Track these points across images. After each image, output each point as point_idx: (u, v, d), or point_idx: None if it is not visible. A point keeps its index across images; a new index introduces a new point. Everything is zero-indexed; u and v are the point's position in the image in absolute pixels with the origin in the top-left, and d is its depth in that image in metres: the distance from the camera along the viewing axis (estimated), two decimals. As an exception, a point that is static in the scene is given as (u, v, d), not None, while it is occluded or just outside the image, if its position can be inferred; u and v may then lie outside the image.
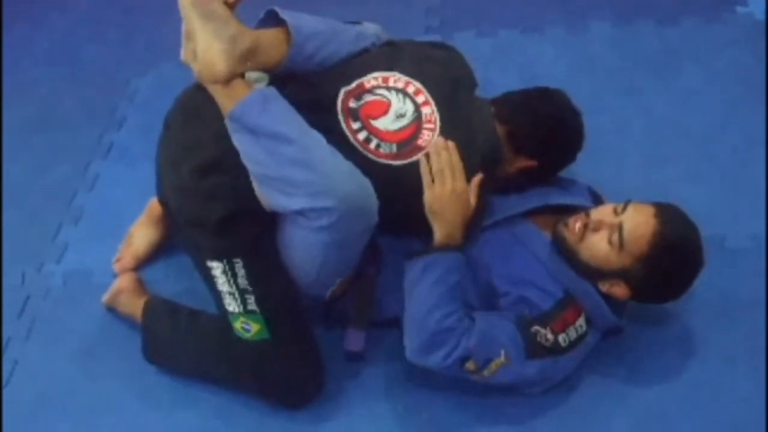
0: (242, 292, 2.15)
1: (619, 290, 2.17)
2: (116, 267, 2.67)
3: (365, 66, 2.29)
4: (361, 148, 2.16)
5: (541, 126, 2.33)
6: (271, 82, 2.21)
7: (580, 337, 2.16)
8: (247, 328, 2.18)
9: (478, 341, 2.09)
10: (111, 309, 2.57)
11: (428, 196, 2.19)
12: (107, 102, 3.40)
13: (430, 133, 2.21)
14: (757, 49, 3.19)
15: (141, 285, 2.57)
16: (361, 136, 2.18)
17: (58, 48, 3.82)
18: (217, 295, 2.20)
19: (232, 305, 2.18)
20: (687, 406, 2.20)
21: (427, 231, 2.23)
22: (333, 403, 2.28)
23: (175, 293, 2.55)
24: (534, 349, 2.12)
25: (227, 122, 2.08)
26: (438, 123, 2.23)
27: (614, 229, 2.13)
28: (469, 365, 2.10)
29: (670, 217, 2.15)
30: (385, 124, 2.20)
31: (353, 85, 2.24)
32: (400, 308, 2.23)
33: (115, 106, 3.37)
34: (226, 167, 2.11)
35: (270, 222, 2.15)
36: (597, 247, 2.16)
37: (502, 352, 2.10)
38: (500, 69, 3.20)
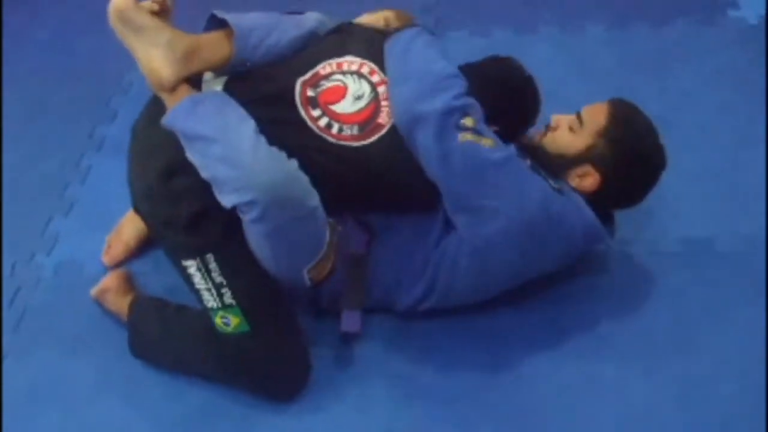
0: (218, 287, 2.17)
1: (588, 179, 2.27)
2: (105, 259, 2.68)
3: (318, 55, 2.34)
4: (323, 134, 2.21)
5: (492, 92, 2.34)
6: (230, 83, 2.27)
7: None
8: (227, 321, 2.20)
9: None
10: (99, 302, 2.57)
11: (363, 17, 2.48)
12: (101, 95, 3.41)
13: (389, 110, 2.25)
14: (749, 51, 3.21)
15: (128, 283, 2.57)
16: (322, 122, 2.22)
17: (53, 40, 3.83)
18: (197, 293, 2.22)
19: (210, 301, 2.20)
20: (677, 405, 2.21)
21: (408, 208, 2.31)
22: (322, 394, 2.28)
23: (165, 286, 2.56)
24: (519, 154, 2.21)
25: None
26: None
27: (572, 119, 2.35)
28: (468, 121, 2.14)
29: (620, 99, 2.37)
30: (344, 107, 2.24)
31: (308, 75, 2.29)
32: (393, 284, 2.30)
33: (108, 99, 3.38)
34: (188, 169, 2.14)
35: (237, 218, 2.17)
36: (560, 136, 2.34)
37: (492, 137, 2.17)
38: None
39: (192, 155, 2.12)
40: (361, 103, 2.26)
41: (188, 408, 2.30)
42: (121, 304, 2.48)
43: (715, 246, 2.53)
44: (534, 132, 2.40)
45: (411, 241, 2.30)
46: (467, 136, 2.13)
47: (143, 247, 2.71)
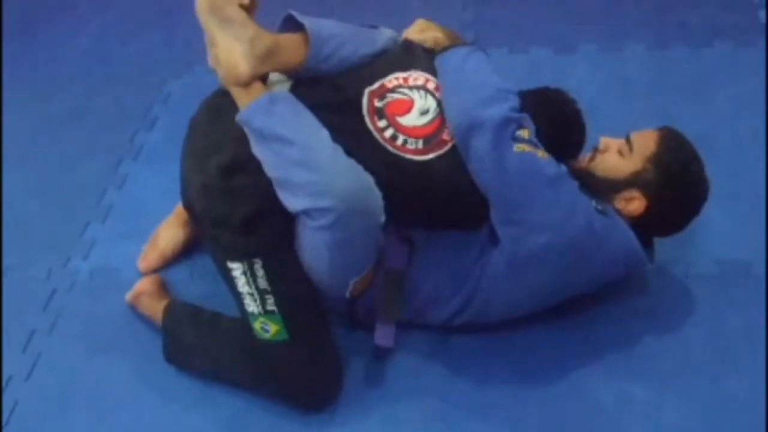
0: (261, 293, 2.17)
1: (635, 203, 2.28)
2: (141, 266, 2.70)
3: (385, 67, 2.35)
4: (388, 146, 2.21)
5: (542, 121, 2.32)
6: (297, 87, 2.27)
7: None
8: (267, 328, 2.20)
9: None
10: (133, 307, 2.58)
11: (411, 31, 2.50)
12: (141, 103, 3.44)
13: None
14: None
15: (163, 288, 2.59)
16: (388, 133, 2.22)
17: (96, 47, 3.88)
18: (238, 297, 2.22)
19: (251, 306, 2.20)
20: (709, 429, 2.19)
21: (457, 226, 2.30)
22: (350, 407, 2.28)
23: (199, 295, 2.57)
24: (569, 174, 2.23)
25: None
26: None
27: (621, 143, 2.35)
28: (524, 133, 2.17)
29: (669, 128, 2.38)
30: (410, 120, 2.25)
31: (376, 85, 2.29)
32: (431, 298, 2.30)
33: (148, 107, 3.41)
34: (250, 167, 2.15)
35: (291, 223, 2.17)
36: (608, 160, 2.34)
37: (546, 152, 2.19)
38: (532, 86, 3.19)
39: (265, 154, 2.12)
40: (427, 118, 2.26)
41: (218, 415, 2.30)
42: (155, 308, 2.49)
43: (752, 269, 2.51)
44: (581, 157, 2.41)
45: (451, 257, 2.30)
46: (524, 147, 2.14)
47: (179, 256, 2.72)
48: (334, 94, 2.27)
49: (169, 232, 2.72)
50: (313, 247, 2.15)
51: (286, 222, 2.16)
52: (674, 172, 2.27)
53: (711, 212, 2.45)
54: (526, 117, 2.20)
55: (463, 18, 3.69)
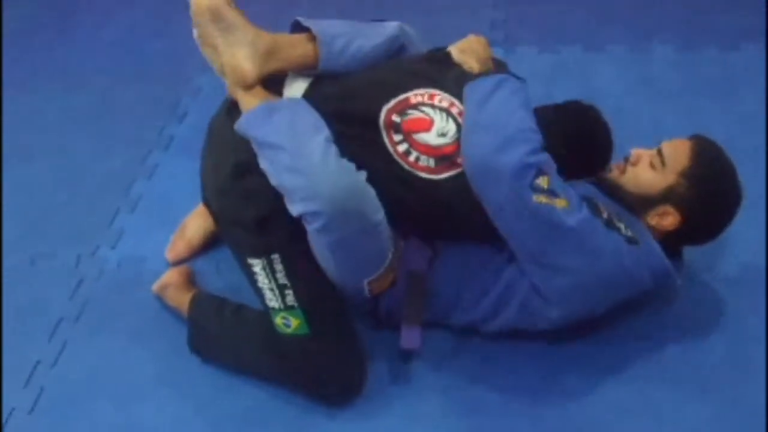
0: (281, 288, 2.20)
1: (668, 218, 2.24)
2: (169, 256, 2.72)
3: (411, 80, 2.33)
4: (400, 160, 2.22)
5: (576, 145, 2.33)
6: (314, 86, 2.31)
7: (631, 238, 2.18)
8: (288, 323, 2.22)
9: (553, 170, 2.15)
10: (160, 297, 2.61)
11: (455, 47, 2.44)
12: (170, 96, 3.46)
13: None
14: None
15: (189, 279, 2.61)
16: (401, 148, 2.22)
17: (125, 41, 3.91)
18: (259, 292, 2.25)
19: (272, 301, 2.22)
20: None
21: (471, 238, 2.30)
22: (374, 402, 2.29)
23: (225, 286, 2.59)
24: (593, 211, 2.15)
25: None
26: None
27: (653, 155, 2.29)
28: (542, 181, 2.09)
29: (702, 137, 2.32)
30: (426, 139, 2.23)
31: (397, 100, 2.28)
32: (452, 304, 2.31)
33: (177, 101, 3.43)
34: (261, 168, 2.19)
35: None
36: (640, 174, 2.29)
37: (567, 196, 2.12)
38: (560, 85, 3.21)
39: (262, 162, 2.16)
40: (445, 140, 2.23)
41: (241, 407, 2.32)
42: (181, 299, 2.51)
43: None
44: (613, 166, 2.36)
45: (472, 265, 2.30)
46: (542, 198, 2.08)
47: (206, 246, 2.74)
48: (350, 104, 2.28)
49: (197, 222, 2.74)
50: (317, 249, 2.17)
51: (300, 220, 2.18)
52: (708, 186, 2.24)
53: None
54: (546, 160, 2.13)
55: (493, 16, 3.70)
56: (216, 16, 2.23)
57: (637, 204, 2.26)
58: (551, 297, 2.18)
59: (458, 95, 2.30)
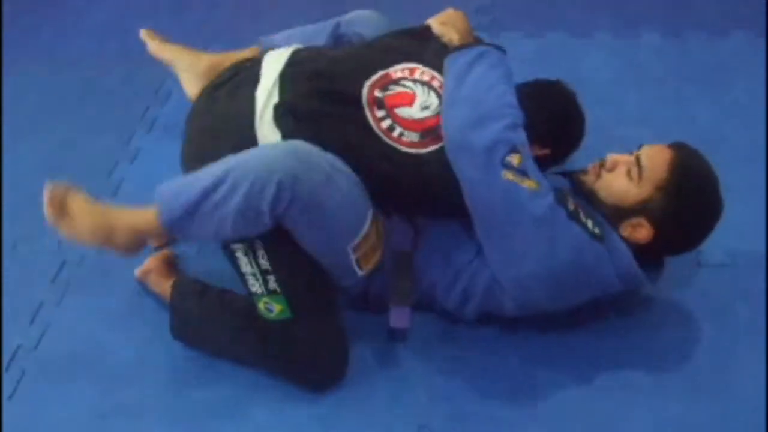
0: (264, 273, 2.18)
1: (642, 231, 2.20)
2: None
3: (392, 55, 2.36)
4: (383, 136, 2.23)
5: (552, 120, 2.36)
6: (293, 72, 2.31)
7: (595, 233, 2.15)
8: (270, 308, 2.20)
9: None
10: (142, 283, 2.60)
11: (434, 20, 2.46)
12: (154, 79, 3.44)
13: None
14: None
15: (171, 265, 2.60)
16: (385, 124, 2.24)
17: (110, 22, 3.89)
18: (242, 277, 2.23)
19: (254, 286, 2.21)
20: (714, 421, 2.19)
21: (453, 215, 2.28)
22: (357, 387, 2.28)
23: (208, 270, 2.57)
24: (560, 200, 2.13)
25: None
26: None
27: (631, 163, 2.22)
28: (513, 159, 2.08)
29: (684, 146, 2.24)
30: (410, 113, 2.26)
31: (378, 75, 2.30)
32: (430, 286, 2.30)
33: (161, 82, 3.41)
34: None
35: None
36: (615, 182, 2.23)
37: (537, 179, 2.11)
38: (546, 71, 3.17)
39: (213, 222, 2.08)
40: (427, 113, 2.26)
41: (223, 391, 2.31)
42: (163, 285, 2.50)
43: (763, 260, 2.51)
44: (590, 167, 2.31)
45: (452, 246, 2.30)
46: (509, 175, 2.08)
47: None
48: (331, 82, 2.29)
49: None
50: (297, 231, 2.13)
51: None
52: (686, 202, 2.19)
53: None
54: (520, 138, 2.13)
55: (480, 2, 3.68)
56: (156, 56, 2.71)
57: (610, 214, 2.22)
58: (507, 286, 2.19)
59: (439, 68, 2.32)
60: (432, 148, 2.23)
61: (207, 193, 2.06)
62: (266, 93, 2.27)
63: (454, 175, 2.19)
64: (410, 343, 2.37)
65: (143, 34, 2.74)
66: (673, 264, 2.40)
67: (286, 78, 2.30)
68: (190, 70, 2.55)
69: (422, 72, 2.33)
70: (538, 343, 2.35)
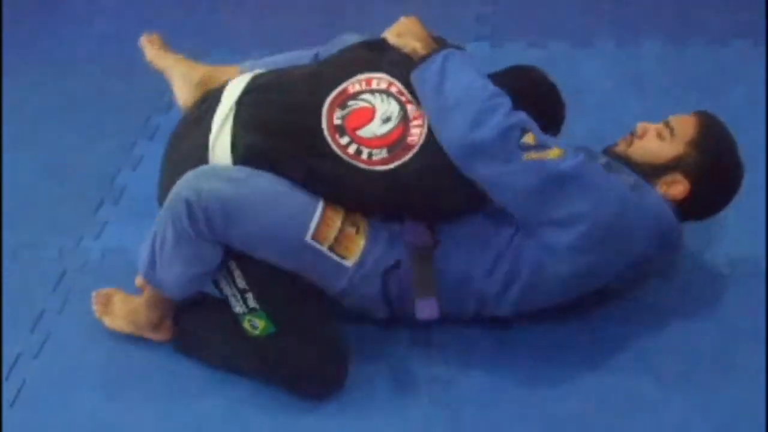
0: (242, 292, 2.21)
1: (678, 187, 2.26)
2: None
3: (348, 68, 2.32)
4: (353, 161, 2.19)
5: (535, 105, 2.29)
6: (249, 98, 2.29)
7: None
8: (255, 324, 2.22)
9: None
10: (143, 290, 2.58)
11: (389, 32, 2.41)
12: (156, 86, 3.43)
13: (419, 129, 2.22)
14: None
15: None
16: (351, 149, 2.20)
17: (112, 31, 3.89)
18: (225, 299, 2.27)
19: (236, 306, 2.23)
20: (714, 428, 2.19)
21: (450, 218, 2.26)
22: (357, 396, 2.27)
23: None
24: (591, 157, 2.17)
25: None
26: (425, 117, 2.23)
27: (661, 128, 2.33)
28: (529, 138, 2.09)
29: (707, 113, 2.39)
30: (372, 130, 2.22)
31: (336, 92, 2.27)
32: (464, 278, 2.24)
33: (164, 90, 3.40)
34: None
35: None
36: (648, 145, 2.31)
37: (557, 145, 2.12)
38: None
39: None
40: (390, 125, 2.22)
41: (225, 400, 2.30)
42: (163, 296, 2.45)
43: (763, 265, 2.50)
44: (620, 140, 2.37)
45: (480, 235, 2.25)
46: (532, 155, 2.08)
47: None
48: (288, 114, 2.25)
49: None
50: (246, 243, 2.18)
51: None
52: (716, 157, 2.30)
53: (723, 212, 2.46)
54: (523, 117, 2.13)
55: (480, 10, 3.69)
56: (153, 64, 2.67)
57: (646, 172, 2.27)
58: (562, 254, 2.15)
59: (396, 75, 2.30)
60: (404, 158, 2.20)
61: (153, 238, 2.23)
62: (220, 121, 2.25)
63: (433, 177, 2.19)
64: (409, 350, 2.37)
65: (143, 39, 2.71)
66: (675, 271, 2.40)
67: (242, 105, 2.27)
68: (184, 80, 2.53)
69: (378, 80, 2.29)
70: (540, 348, 2.35)
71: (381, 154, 2.20)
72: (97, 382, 2.39)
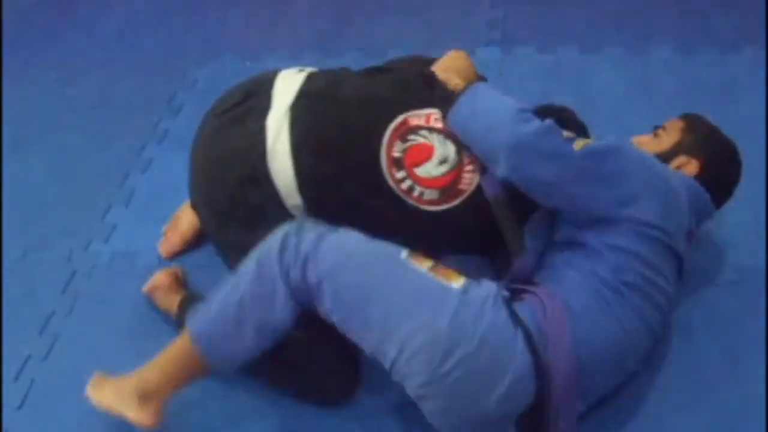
0: None
1: (689, 166, 2.33)
2: (162, 250, 2.71)
3: (403, 95, 2.28)
4: (405, 197, 2.19)
5: None
6: (304, 103, 2.24)
7: None
8: None
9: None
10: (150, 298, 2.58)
11: (437, 66, 2.39)
12: (166, 89, 3.46)
13: (471, 175, 2.22)
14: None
15: (179, 281, 2.55)
16: (405, 185, 2.19)
17: (121, 34, 3.91)
18: None
19: None
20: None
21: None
22: (369, 401, 2.27)
23: (216, 282, 2.56)
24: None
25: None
26: (478, 163, 2.21)
27: (652, 135, 2.44)
28: (567, 133, 2.13)
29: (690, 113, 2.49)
30: (428, 170, 2.20)
31: (398, 121, 2.22)
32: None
33: (173, 94, 3.42)
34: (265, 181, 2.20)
35: None
36: (647, 145, 2.39)
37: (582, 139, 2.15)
38: (557, 86, 3.21)
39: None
40: (445, 168, 2.20)
41: (231, 405, 2.31)
42: (170, 301, 2.46)
43: (765, 272, 2.49)
44: None
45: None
46: (579, 143, 2.08)
47: (200, 240, 2.71)
48: (350, 139, 2.22)
49: (191, 216, 2.70)
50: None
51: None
52: (710, 131, 2.41)
53: (732, 218, 2.46)
54: (549, 122, 2.11)
55: (491, 15, 3.69)
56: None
57: None
58: (627, 226, 2.08)
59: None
60: (451, 204, 2.20)
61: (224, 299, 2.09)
62: (275, 128, 2.21)
63: (475, 226, 2.21)
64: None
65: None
66: (681, 282, 2.39)
67: (297, 111, 2.23)
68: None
69: (436, 119, 2.25)
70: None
71: (432, 195, 2.20)
72: (104, 385, 2.38)
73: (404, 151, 2.20)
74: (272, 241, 2.03)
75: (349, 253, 2.01)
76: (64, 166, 3.15)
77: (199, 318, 2.10)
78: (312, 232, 2.02)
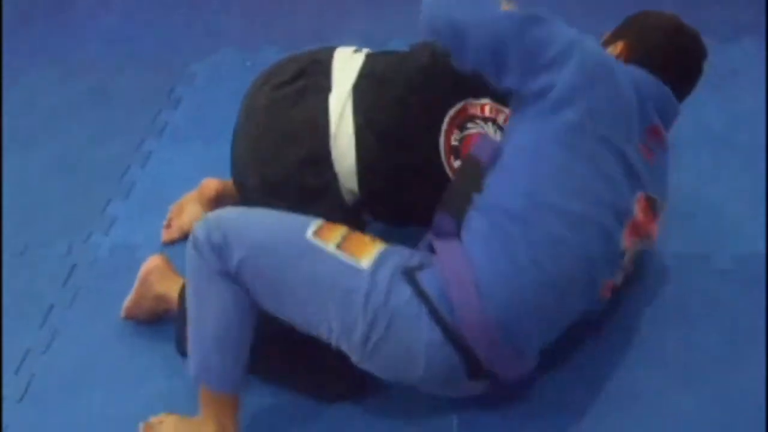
0: None
1: (616, 48, 2.25)
2: (164, 233, 2.73)
3: (463, 87, 2.22)
4: None
5: None
6: (366, 83, 2.22)
7: None
8: None
9: None
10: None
11: None
12: (165, 83, 3.46)
13: None
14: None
15: (171, 266, 2.50)
16: None
17: (120, 28, 3.91)
18: None
19: None
20: (719, 422, 2.18)
21: None
22: (375, 399, 2.26)
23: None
24: None
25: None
26: None
27: None
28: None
29: None
30: None
31: (458, 107, 2.21)
32: None
33: (172, 88, 3.42)
34: (324, 164, 2.18)
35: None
36: None
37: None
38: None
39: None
40: None
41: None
42: (168, 286, 2.41)
43: (765, 264, 2.49)
44: None
45: None
46: (505, 6, 2.05)
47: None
48: (411, 123, 2.19)
49: (193, 206, 2.72)
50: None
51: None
52: (640, 14, 2.41)
53: (730, 206, 2.45)
54: None
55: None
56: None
57: None
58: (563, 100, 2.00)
59: (500, 100, 2.24)
60: None
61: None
62: (338, 109, 2.19)
63: None
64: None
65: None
66: (680, 269, 2.40)
67: (358, 93, 2.21)
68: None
69: (490, 108, 2.24)
70: (548, 349, 2.35)
71: None
72: (105, 377, 2.39)
73: (461, 140, 2.19)
74: (191, 256, 2.03)
75: (251, 245, 1.99)
76: (64, 160, 3.15)
77: (193, 360, 2.09)
78: (216, 231, 1.99)
